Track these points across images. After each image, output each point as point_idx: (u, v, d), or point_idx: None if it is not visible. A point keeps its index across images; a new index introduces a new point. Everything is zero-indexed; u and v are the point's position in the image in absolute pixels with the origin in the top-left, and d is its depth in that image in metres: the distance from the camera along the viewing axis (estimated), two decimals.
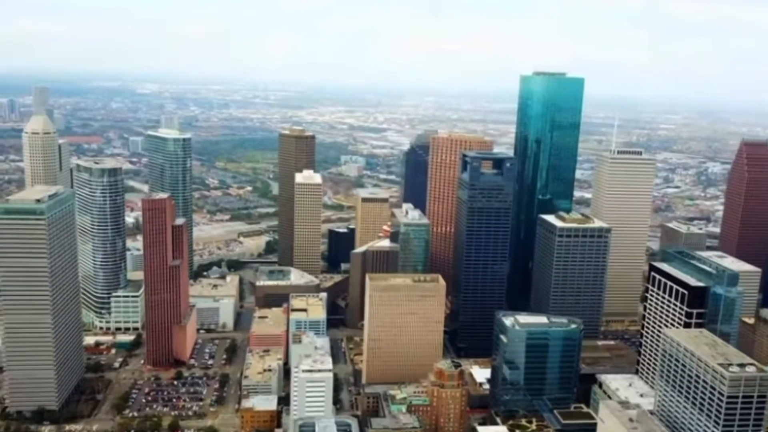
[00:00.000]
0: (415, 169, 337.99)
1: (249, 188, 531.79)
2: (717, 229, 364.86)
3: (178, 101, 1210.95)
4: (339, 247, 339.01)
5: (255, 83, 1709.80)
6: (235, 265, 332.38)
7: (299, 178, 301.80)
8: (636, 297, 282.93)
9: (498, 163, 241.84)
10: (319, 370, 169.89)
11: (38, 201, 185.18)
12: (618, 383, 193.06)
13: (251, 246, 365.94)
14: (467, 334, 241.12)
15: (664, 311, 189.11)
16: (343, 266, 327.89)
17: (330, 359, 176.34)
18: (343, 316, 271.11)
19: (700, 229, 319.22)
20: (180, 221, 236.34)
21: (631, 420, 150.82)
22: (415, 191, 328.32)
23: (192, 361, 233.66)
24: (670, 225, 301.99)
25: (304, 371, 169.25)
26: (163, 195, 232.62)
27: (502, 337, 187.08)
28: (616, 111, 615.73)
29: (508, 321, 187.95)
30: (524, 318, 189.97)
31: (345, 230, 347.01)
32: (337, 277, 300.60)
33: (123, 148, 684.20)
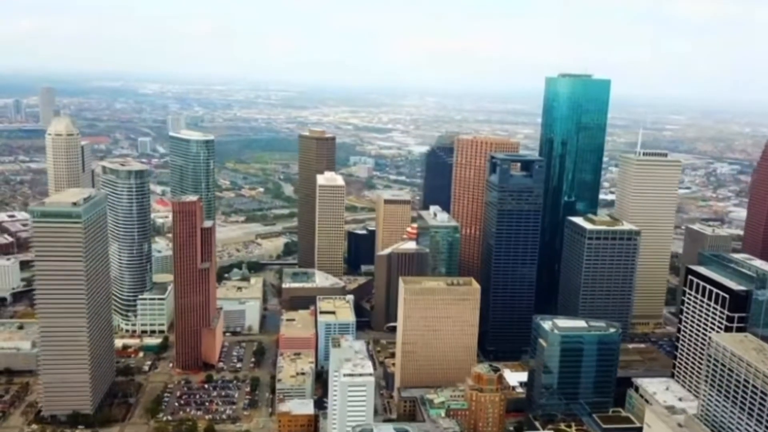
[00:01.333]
0: (435, 171, 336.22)
1: (261, 189, 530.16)
2: (733, 231, 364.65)
3: (182, 101, 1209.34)
4: (359, 248, 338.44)
5: (256, 83, 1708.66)
6: (254, 267, 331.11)
7: (321, 180, 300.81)
8: (660, 299, 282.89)
9: (527, 165, 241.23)
10: (361, 375, 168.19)
11: (75, 204, 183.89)
12: (655, 387, 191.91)
13: (269, 248, 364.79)
14: (496, 337, 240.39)
15: (704, 315, 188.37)
16: (363, 268, 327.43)
17: (370, 363, 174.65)
18: (368, 318, 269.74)
19: (720, 228, 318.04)
20: (208, 224, 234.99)
21: (680, 425, 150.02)
22: (435, 193, 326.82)
23: (221, 365, 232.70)
24: (694, 227, 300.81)
25: (345, 375, 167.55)
26: (193, 197, 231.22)
27: (541, 341, 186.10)
28: (641, 112, 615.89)
29: (546, 325, 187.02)
30: (562, 322, 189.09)
31: (365, 232, 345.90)
32: (361, 279, 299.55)
33: (131, 148, 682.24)
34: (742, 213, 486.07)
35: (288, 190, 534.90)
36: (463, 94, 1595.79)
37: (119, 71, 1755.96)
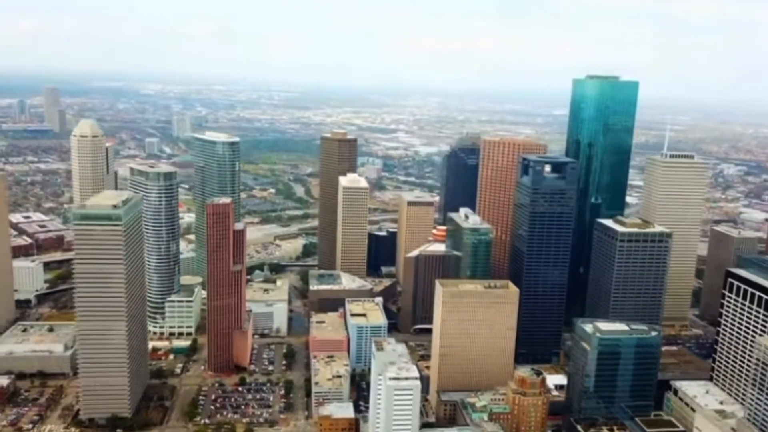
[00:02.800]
0: (456, 173, 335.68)
1: (272, 190, 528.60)
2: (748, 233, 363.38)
3: (184, 102, 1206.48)
4: (379, 250, 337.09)
5: (258, 83, 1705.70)
6: (275, 269, 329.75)
7: (345, 181, 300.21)
8: (686, 301, 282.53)
9: (559, 166, 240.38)
10: (407, 378, 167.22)
11: (114, 206, 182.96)
12: (694, 390, 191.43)
13: (289, 249, 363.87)
14: (526, 340, 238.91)
15: (745, 318, 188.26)
16: (384, 269, 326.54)
17: (415, 367, 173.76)
18: (394, 320, 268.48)
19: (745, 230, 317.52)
20: (240, 226, 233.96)
21: (733, 430, 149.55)
22: (457, 195, 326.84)
23: (252, 367, 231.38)
24: (719, 229, 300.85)
25: (391, 379, 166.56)
26: (226, 200, 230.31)
27: (583, 344, 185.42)
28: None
29: (588, 328, 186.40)
30: (604, 325, 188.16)
31: (385, 233, 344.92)
32: (384, 281, 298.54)
33: (138, 149, 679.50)
34: (753, 214, 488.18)
35: (299, 191, 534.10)
36: (464, 94, 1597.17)
37: (120, 71, 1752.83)
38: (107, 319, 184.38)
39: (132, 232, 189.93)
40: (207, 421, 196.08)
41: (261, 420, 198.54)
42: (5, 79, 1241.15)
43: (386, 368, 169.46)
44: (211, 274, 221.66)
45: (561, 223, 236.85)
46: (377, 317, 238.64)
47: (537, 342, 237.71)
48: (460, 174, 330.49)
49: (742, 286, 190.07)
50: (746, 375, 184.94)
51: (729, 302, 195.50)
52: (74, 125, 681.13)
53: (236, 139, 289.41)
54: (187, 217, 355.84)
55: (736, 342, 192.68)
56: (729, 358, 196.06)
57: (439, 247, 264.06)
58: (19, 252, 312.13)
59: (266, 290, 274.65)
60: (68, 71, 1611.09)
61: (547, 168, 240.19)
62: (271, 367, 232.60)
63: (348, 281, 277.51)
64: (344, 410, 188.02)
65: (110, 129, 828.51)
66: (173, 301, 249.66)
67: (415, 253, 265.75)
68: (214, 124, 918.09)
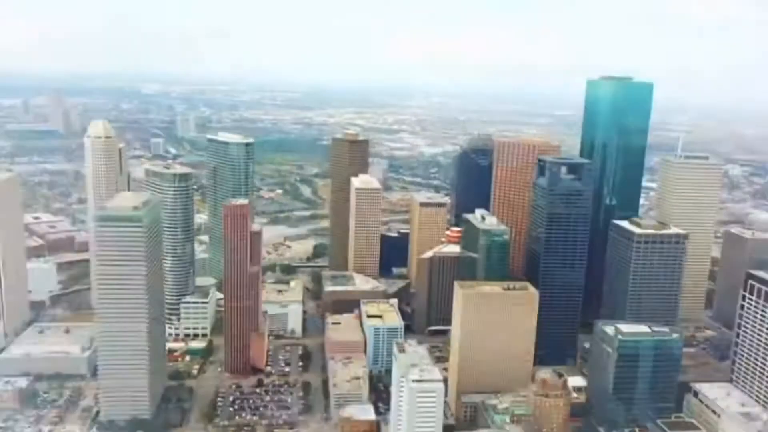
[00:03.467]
0: (467, 173, 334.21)
1: (279, 191, 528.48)
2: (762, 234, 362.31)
3: (187, 102, 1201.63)
4: (390, 251, 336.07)
5: (260, 83, 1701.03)
6: (286, 270, 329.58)
7: (357, 182, 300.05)
8: (700, 303, 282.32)
9: (576, 168, 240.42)
10: (430, 380, 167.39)
11: (135, 208, 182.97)
12: (715, 392, 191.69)
13: (299, 250, 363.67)
14: (545, 342, 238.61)
15: (766, 319, 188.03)
16: (395, 271, 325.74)
17: (437, 369, 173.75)
18: (408, 322, 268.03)
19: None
20: (257, 227, 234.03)
21: None
22: (467, 196, 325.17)
23: (269, 369, 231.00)
24: (732, 230, 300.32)
25: (414, 381, 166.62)
26: (244, 201, 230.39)
27: (605, 346, 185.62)
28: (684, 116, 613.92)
29: (610, 330, 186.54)
30: (626, 327, 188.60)
31: (396, 234, 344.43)
32: (398, 282, 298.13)
33: (143, 149, 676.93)
34: (760, 215, 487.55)
35: (306, 191, 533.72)
36: (465, 95, 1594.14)
37: (122, 71, 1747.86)
38: (128, 320, 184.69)
39: (152, 234, 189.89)
40: (226, 422, 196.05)
41: (280, 422, 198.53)
42: (8, 79, 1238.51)
43: (409, 370, 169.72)
44: (228, 276, 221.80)
45: (578, 225, 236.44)
46: (393, 318, 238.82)
47: (553, 343, 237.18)
48: (472, 175, 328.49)
49: (763, 288, 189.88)
50: None
51: (749, 304, 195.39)
52: (79, 126, 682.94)
53: (251, 140, 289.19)
54: (197, 218, 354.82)
55: (757, 344, 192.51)
56: (749, 360, 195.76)
57: (453, 249, 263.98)
58: (30, 253, 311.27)
59: (280, 291, 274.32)
60: (70, 71, 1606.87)
61: (564, 169, 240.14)
62: (287, 369, 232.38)
63: (361, 282, 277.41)
64: (365, 412, 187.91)
65: (115, 129, 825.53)
66: (188, 303, 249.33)
67: (429, 254, 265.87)
68: (218, 125, 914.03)
